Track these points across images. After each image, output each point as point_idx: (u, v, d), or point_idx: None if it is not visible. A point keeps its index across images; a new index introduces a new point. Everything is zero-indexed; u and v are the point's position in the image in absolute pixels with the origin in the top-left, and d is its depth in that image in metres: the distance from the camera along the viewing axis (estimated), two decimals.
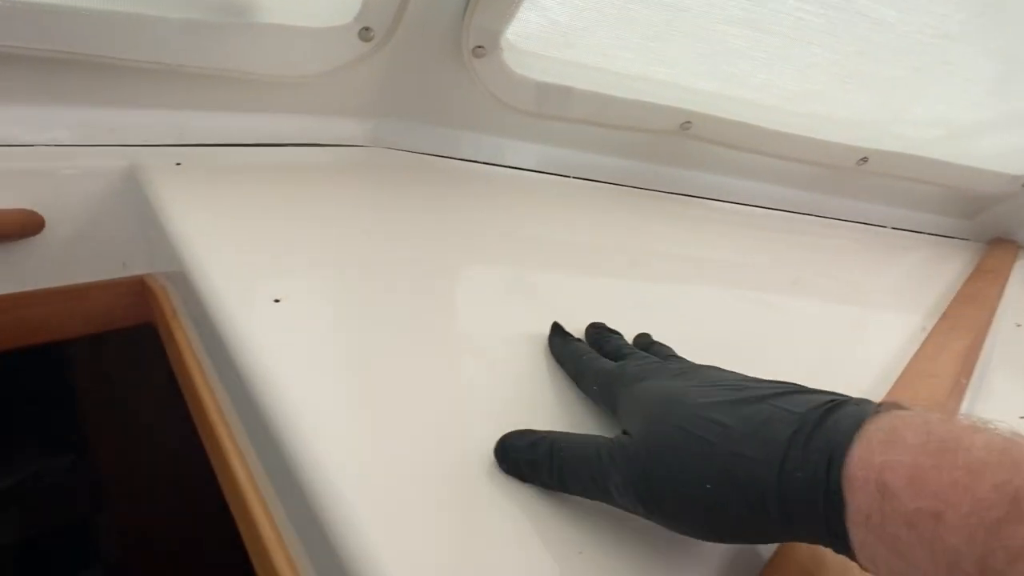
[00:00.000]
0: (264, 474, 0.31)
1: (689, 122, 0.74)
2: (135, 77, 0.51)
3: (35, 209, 0.46)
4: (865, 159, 0.84)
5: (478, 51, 0.62)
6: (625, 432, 0.25)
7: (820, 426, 0.20)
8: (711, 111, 0.74)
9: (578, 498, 0.26)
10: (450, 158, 0.73)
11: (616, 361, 0.32)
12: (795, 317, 0.54)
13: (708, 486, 0.21)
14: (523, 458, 0.27)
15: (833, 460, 0.19)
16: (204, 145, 0.57)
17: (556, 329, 0.38)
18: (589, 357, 0.33)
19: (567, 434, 0.27)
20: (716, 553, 0.26)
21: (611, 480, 0.24)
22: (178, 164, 0.51)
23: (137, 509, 1.10)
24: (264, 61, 0.53)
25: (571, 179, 0.77)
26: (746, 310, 0.52)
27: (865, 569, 0.19)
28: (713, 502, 0.21)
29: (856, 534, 0.18)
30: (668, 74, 0.69)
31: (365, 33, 0.57)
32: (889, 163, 0.85)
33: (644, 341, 0.37)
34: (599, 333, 0.37)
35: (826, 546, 0.20)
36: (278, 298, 0.35)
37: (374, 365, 0.32)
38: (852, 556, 0.19)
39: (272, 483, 0.30)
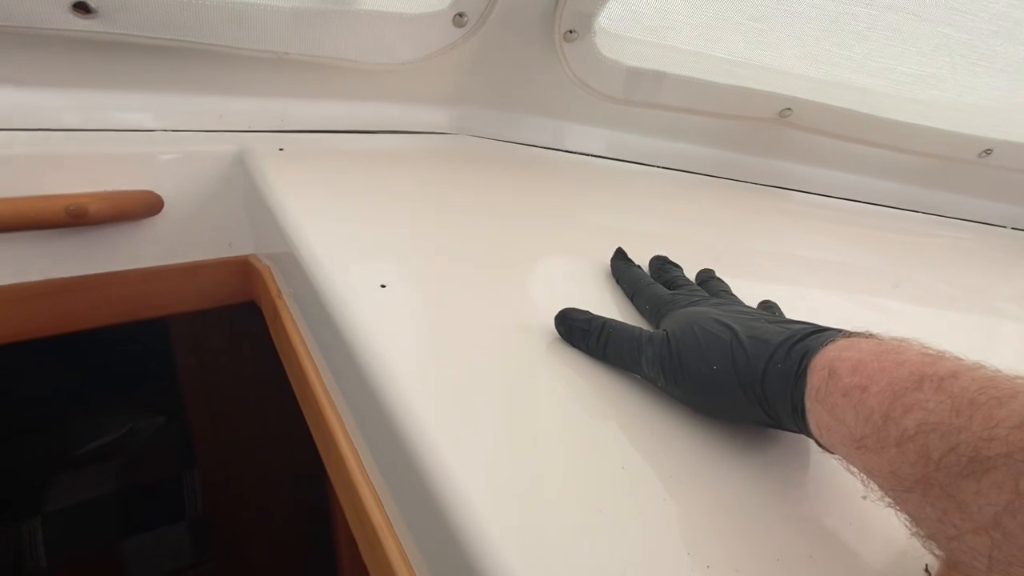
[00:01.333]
0: (362, 440, 0.32)
1: (789, 109, 0.70)
2: (243, 65, 0.53)
3: (155, 191, 0.49)
4: (988, 151, 0.76)
5: (569, 35, 0.60)
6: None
7: (805, 339, 0.26)
8: (814, 97, 0.69)
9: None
10: (533, 146, 0.72)
11: (670, 290, 0.38)
12: (905, 323, 0.50)
13: (714, 367, 0.28)
14: (578, 326, 0.33)
15: (804, 357, 0.25)
16: (303, 131, 0.59)
17: (619, 253, 0.44)
18: (647, 282, 0.40)
19: (616, 320, 0.34)
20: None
21: (644, 354, 0.31)
22: (281, 149, 0.53)
23: (224, 470, 1.18)
24: (362, 48, 0.54)
25: (658, 169, 0.74)
26: (846, 312, 0.48)
27: (811, 434, 0.25)
28: (715, 380, 0.28)
29: (809, 404, 0.24)
30: (770, 58, 0.64)
31: (459, 19, 0.56)
32: (1017, 156, 0.76)
33: (704, 275, 0.42)
34: (661, 264, 0.43)
35: (788, 427, 0.26)
36: (384, 283, 0.36)
37: (457, 326, 0.34)
38: (805, 428, 0.25)
39: (368, 445, 0.31)
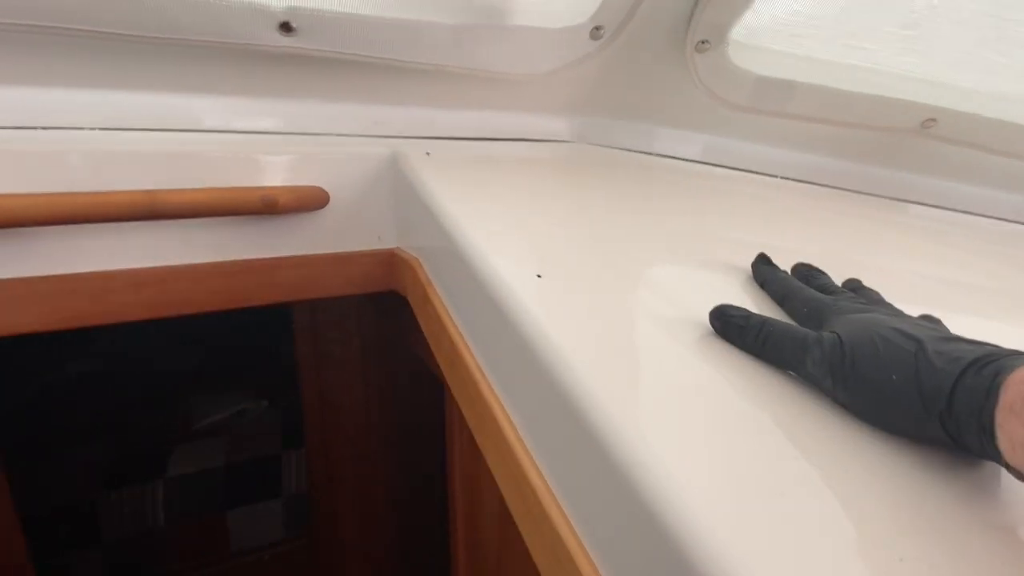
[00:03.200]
0: (514, 409, 0.35)
1: (933, 119, 0.66)
2: (401, 78, 0.59)
3: (324, 187, 0.55)
4: None
5: (701, 46, 0.62)
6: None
7: (998, 360, 0.25)
8: (962, 107, 0.65)
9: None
10: (652, 154, 0.73)
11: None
12: None
13: (893, 377, 0.28)
14: (735, 322, 0.34)
15: (999, 375, 0.25)
16: (444, 138, 0.64)
17: (763, 258, 0.44)
18: (799, 285, 0.39)
19: (776, 319, 0.34)
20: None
21: (810, 354, 0.31)
22: (427, 153, 0.59)
23: (325, 452, 1.27)
24: (508, 61, 0.58)
25: (786, 180, 0.73)
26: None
27: (997, 451, 0.24)
28: (892, 390, 0.28)
29: (1001, 419, 0.24)
30: (915, 65, 0.62)
31: (596, 32, 0.59)
32: None
33: (854, 284, 0.41)
34: (807, 271, 0.43)
35: (970, 445, 0.26)
36: (539, 274, 0.39)
37: (612, 310, 0.36)
38: (989, 447, 0.24)
39: (521, 415, 0.34)
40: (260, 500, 1.38)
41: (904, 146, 0.70)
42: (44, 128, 0.48)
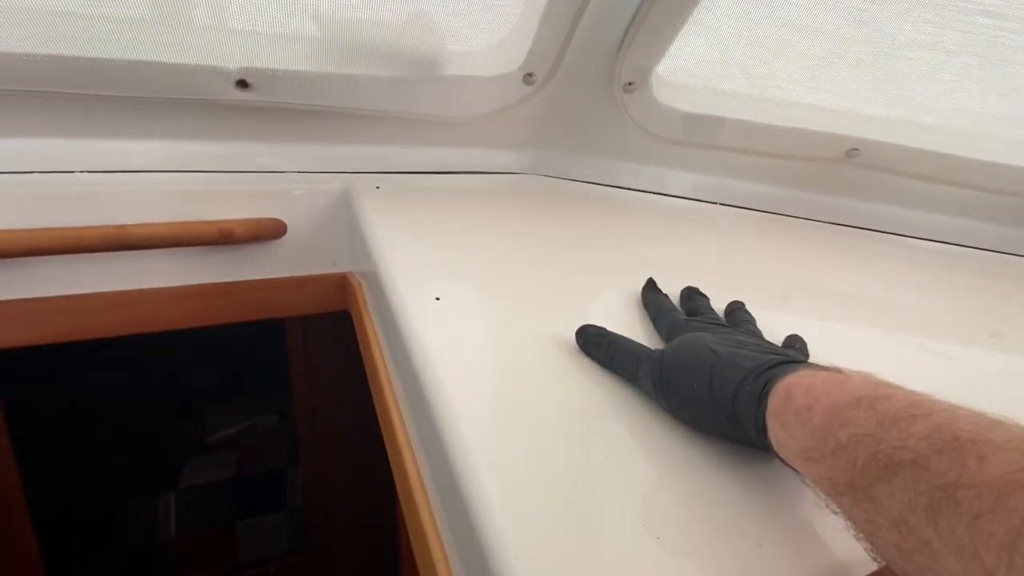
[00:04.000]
0: (412, 428, 0.40)
1: (856, 149, 0.70)
2: (351, 121, 0.66)
3: (282, 218, 0.62)
4: None
5: (628, 87, 0.67)
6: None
7: (774, 367, 0.30)
8: (883, 138, 0.69)
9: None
10: (598, 184, 0.78)
11: (690, 317, 0.43)
12: (993, 376, 0.48)
13: (695, 386, 0.33)
14: (591, 340, 0.40)
15: (769, 383, 0.29)
16: (396, 172, 0.71)
17: (650, 283, 0.49)
18: (669, 308, 0.45)
19: (625, 337, 0.40)
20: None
21: (641, 368, 0.36)
22: (378, 187, 0.65)
23: (320, 466, 1.31)
24: (445, 106, 0.65)
25: (723, 207, 0.77)
26: (917, 361, 0.48)
27: (769, 448, 0.29)
28: (695, 397, 0.33)
29: (769, 422, 0.28)
30: (833, 101, 0.66)
31: (528, 78, 0.66)
32: None
33: (733, 307, 0.46)
34: (690, 294, 0.48)
35: (754, 443, 0.30)
36: (438, 296, 0.45)
37: (503, 333, 0.41)
38: (763, 443, 0.29)
39: (423, 447, 0.38)
40: (267, 513, 1.43)
41: (833, 173, 0.74)
42: (40, 172, 0.56)
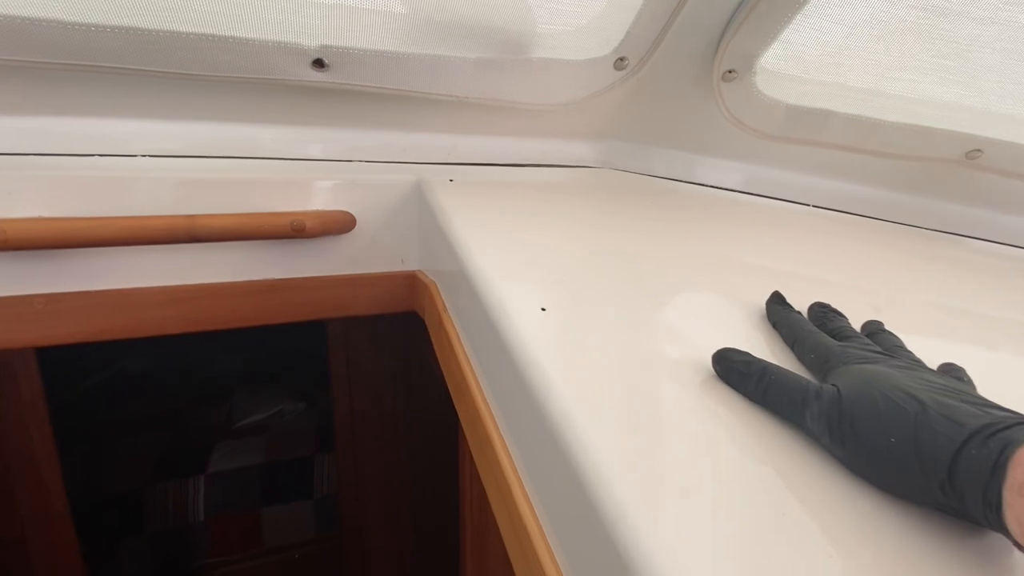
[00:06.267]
0: (513, 441, 0.36)
1: (979, 150, 0.63)
2: (425, 107, 0.61)
3: (350, 211, 0.58)
4: None
5: (728, 75, 0.61)
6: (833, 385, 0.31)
7: (1006, 429, 0.24)
8: (1015, 138, 0.62)
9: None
10: (676, 180, 0.72)
11: (836, 340, 0.36)
12: None
13: (892, 439, 0.27)
14: (736, 368, 0.33)
15: (1007, 448, 0.23)
16: (466, 164, 0.66)
17: (777, 297, 0.42)
18: (810, 329, 0.38)
19: (779, 366, 0.33)
20: None
21: (809, 408, 0.30)
22: (451, 180, 0.60)
23: (355, 457, 1.30)
24: (530, 92, 0.59)
25: (816, 208, 0.71)
26: None
27: (1005, 528, 0.23)
28: (890, 454, 0.27)
29: (1009, 498, 0.23)
30: (961, 95, 0.59)
31: (620, 63, 0.60)
32: None
33: (873, 327, 0.40)
34: (825, 311, 0.41)
35: (974, 517, 0.25)
36: (544, 307, 0.39)
37: (614, 342, 0.36)
38: (995, 522, 0.23)
39: (519, 446, 0.35)
40: (294, 499, 1.42)
41: (947, 176, 0.67)
42: (101, 155, 0.53)
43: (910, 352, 0.37)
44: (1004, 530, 0.23)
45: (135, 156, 0.53)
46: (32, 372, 0.91)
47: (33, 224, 0.46)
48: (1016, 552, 0.26)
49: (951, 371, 0.36)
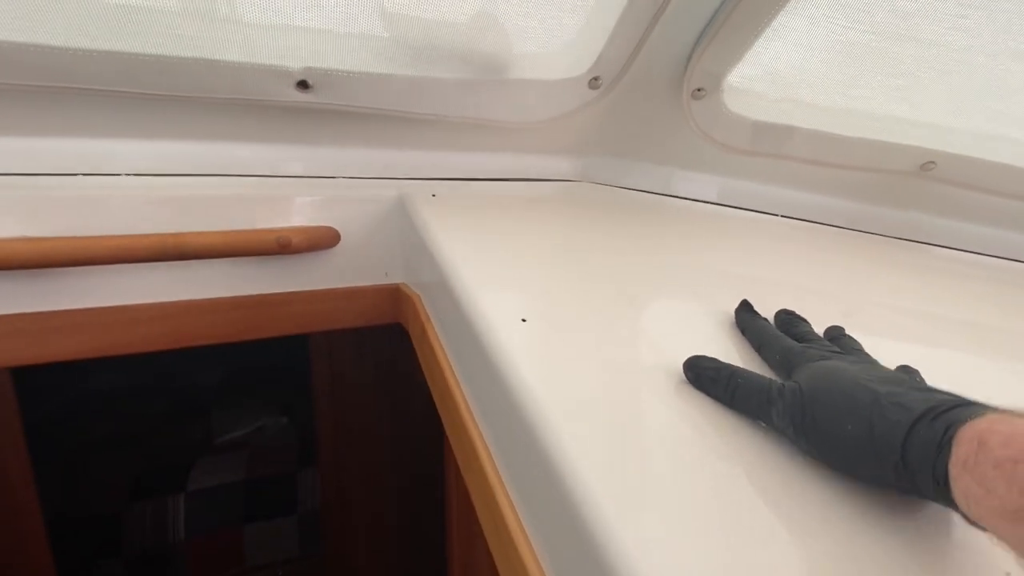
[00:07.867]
0: (495, 444, 0.37)
1: (932, 162, 0.67)
2: (406, 126, 0.63)
3: (335, 227, 0.59)
4: None
5: (697, 93, 0.64)
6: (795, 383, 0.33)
7: (950, 410, 0.26)
8: (963, 151, 0.65)
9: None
10: (653, 193, 0.75)
11: (799, 343, 0.39)
12: None
13: (849, 427, 0.29)
14: (706, 374, 0.36)
15: (950, 428, 0.25)
16: (449, 179, 0.67)
17: (745, 305, 0.45)
18: (775, 334, 0.41)
19: (745, 369, 0.36)
20: None
21: (775, 405, 0.32)
22: (433, 195, 0.62)
23: (338, 471, 1.29)
24: (509, 111, 0.61)
25: (786, 219, 0.74)
26: (994, 380, 0.45)
27: (954, 501, 0.25)
28: (849, 441, 0.29)
29: (955, 473, 0.25)
30: (914, 112, 0.63)
31: (594, 82, 0.62)
32: None
33: (834, 332, 0.42)
34: (789, 317, 0.44)
35: (926, 495, 0.27)
36: (524, 318, 0.41)
37: (594, 349, 0.37)
38: (944, 497, 0.25)
39: (501, 453, 0.36)
40: (276, 516, 1.40)
41: (906, 187, 0.71)
42: (85, 175, 0.53)
43: (868, 355, 0.39)
44: (952, 504, 0.25)
45: (119, 175, 0.54)
46: (7, 391, 0.90)
47: (18, 244, 0.47)
48: (958, 521, 0.28)
49: (905, 371, 0.39)
